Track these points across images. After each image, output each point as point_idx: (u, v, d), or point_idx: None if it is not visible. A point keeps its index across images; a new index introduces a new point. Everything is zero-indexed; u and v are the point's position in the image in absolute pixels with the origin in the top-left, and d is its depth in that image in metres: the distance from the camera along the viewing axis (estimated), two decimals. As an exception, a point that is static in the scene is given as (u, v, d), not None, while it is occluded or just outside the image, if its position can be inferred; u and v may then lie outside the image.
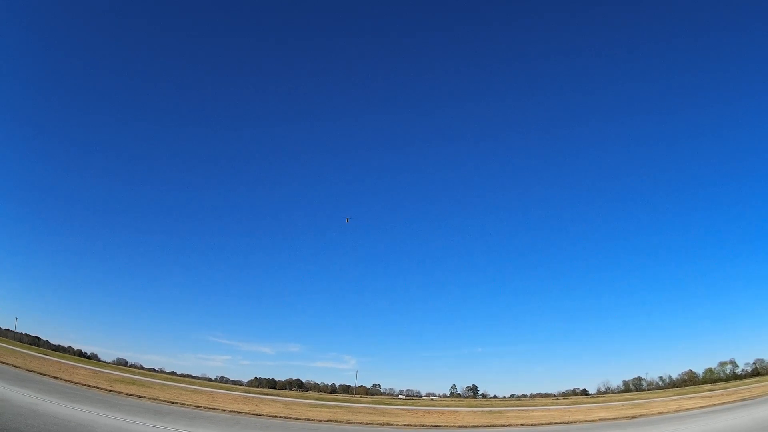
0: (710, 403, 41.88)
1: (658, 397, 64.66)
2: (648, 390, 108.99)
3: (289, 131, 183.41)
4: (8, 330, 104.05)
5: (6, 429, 12.74)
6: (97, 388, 32.55)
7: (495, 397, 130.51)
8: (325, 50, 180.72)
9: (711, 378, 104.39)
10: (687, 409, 38.61)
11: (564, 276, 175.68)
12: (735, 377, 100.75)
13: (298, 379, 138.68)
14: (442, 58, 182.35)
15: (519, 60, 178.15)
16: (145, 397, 32.03)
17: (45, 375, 33.72)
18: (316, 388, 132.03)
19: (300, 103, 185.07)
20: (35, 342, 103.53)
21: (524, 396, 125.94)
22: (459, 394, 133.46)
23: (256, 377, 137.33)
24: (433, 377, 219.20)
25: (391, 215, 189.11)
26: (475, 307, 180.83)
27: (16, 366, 34.97)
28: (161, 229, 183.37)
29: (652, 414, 37.19)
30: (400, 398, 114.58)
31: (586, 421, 35.14)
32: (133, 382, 45.29)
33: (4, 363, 35.27)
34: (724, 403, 41.53)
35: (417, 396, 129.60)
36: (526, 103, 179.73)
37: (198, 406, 31.15)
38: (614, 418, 35.39)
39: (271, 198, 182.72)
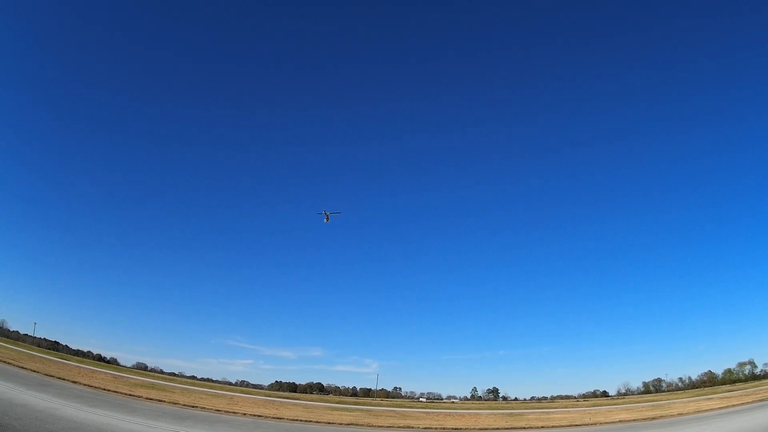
0: (729, 404, 41.45)
1: (677, 398, 63.79)
2: (668, 391, 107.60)
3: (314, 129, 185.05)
4: (27, 335, 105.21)
5: (23, 434, 11.92)
6: (117, 392, 32.09)
7: (516, 399, 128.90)
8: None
9: (730, 378, 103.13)
10: (706, 410, 38.10)
11: (585, 278, 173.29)
12: (754, 377, 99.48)
13: (319, 383, 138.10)
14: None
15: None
16: (164, 401, 31.47)
17: (64, 379, 33.39)
18: (336, 391, 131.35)
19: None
20: (54, 347, 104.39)
21: (545, 398, 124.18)
22: (480, 396, 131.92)
23: (276, 381, 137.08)
24: (454, 380, 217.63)
25: (412, 219, 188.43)
26: (495, 310, 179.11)
27: (35, 371, 34.70)
28: (181, 234, 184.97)
29: (672, 415, 36.63)
30: (421, 401, 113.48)
31: (606, 423, 34.48)
32: (153, 386, 44.98)
33: (22, 368, 35.04)
34: (743, 403, 40.87)
35: (438, 399, 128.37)
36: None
37: (218, 410, 30.48)
38: (634, 420, 34.88)
39: (293, 202, 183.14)
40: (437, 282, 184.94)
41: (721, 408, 38.87)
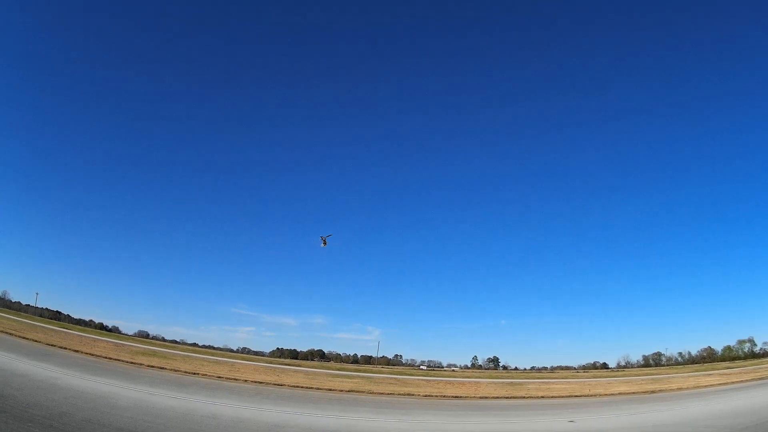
0: (728, 381, 42.13)
1: (677, 373, 65.03)
2: (667, 365, 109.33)
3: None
4: (29, 306, 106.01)
5: (25, 404, 11.96)
6: (119, 360, 32.44)
7: (516, 369, 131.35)
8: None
9: (729, 356, 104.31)
10: (706, 386, 38.58)
11: (588, 249, 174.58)
12: (753, 356, 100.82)
13: (320, 350, 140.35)
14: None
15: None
16: (166, 368, 31.84)
17: (66, 349, 33.67)
18: (337, 358, 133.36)
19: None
20: (56, 317, 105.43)
21: (545, 368, 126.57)
22: (480, 365, 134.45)
23: (278, 348, 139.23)
24: (455, 348, 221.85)
25: (414, 187, 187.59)
26: (497, 279, 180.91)
27: (36, 341, 34.93)
28: (183, 200, 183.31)
29: (671, 390, 37.12)
30: (422, 369, 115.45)
31: (606, 395, 34.90)
32: (154, 354, 45.50)
33: (24, 338, 35.25)
34: (742, 381, 41.53)
35: (438, 367, 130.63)
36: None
37: (220, 377, 30.90)
38: (634, 393, 35.25)
39: (297, 166, 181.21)
40: (440, 250, 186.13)
41: (720, 384, 39.34)
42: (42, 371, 19.17)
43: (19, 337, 35.48)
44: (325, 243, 44.50)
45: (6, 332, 36.81)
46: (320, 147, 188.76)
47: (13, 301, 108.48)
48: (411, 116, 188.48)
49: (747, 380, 41.94)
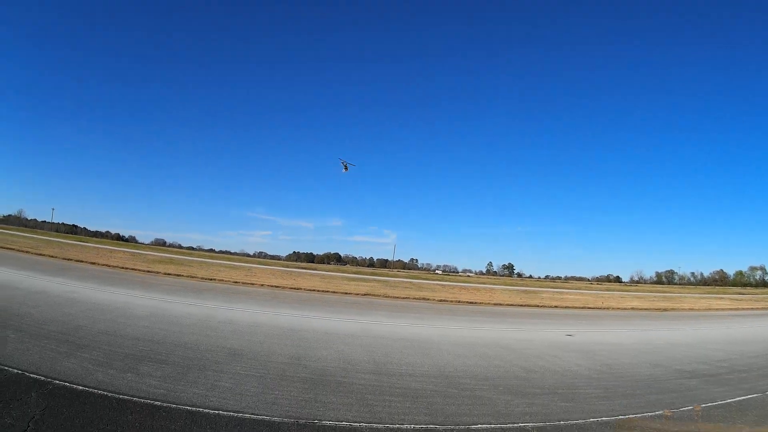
0: (739, 306, 43.00)
1: (689, 293, 66.31)
2: (679, 284, 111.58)
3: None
4: (45, 222, 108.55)
5: (41, 321, 11.89)
6: (135, 270, 33.08)
7: (530, 277, 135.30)
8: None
9: (741, 281, 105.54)
10: (717, 309, 39.48)
11: (609, 158, 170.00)
12: (763, 284, 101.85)
13: (336, 253, 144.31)
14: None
15: None
16: (183, 275, 32.52)
17: (82, 262, 34.27)
18: (353, 262, 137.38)
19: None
20: (72, 230, 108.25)
21: (558, 278, 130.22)
22: (495, 271, 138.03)
23: (294, 252, 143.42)
24: (470, 253, 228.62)
25: (433, 92, 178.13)
26: (514, 183, 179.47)
27: (53, 256, 35.51)
28: (197, 104, 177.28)
29: (683, 309, 37.69)
30: (437, 273, 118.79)
31: (618, 308, 35.50)
32: (171, 261, 46.55)
33: (40, 255, 35.82)
34: (752, 308, 42.65)
35: (453, 272, 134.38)
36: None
37: (236, 282, 31.62)
38: (646, 309, 35.85)
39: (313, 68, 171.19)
40: (458, 153, 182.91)
41: (731, 309, 40.02)
42: (58, 286, 19.29)
43: (36, 254, 36.05)
44: (346, 168, 47.41)
45: (22, 250, 37.39)
46: (335, 44, 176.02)
47: (29, 218, 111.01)
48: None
49: (758, 308, 42.70)
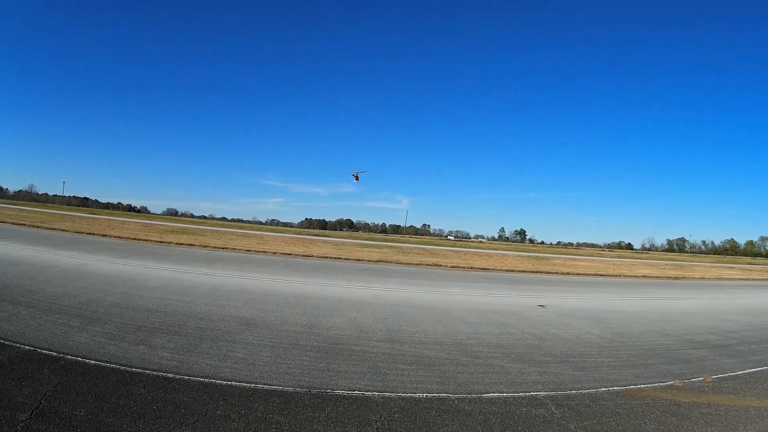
0: (749, 276, 42.54)
1: (700, 262, 65.56)
2: (690, 253, 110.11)
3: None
4: (56, 195, 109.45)
5: (53, 295, 11.89)
6: (147, 240, 33.28)
7: (542, 243, 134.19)
8: None
9: (751, 251, 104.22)
10: (728, 278, 38.83)
11: (621, 126, 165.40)
12: None
13: (349, 219, 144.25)
14: None
15: None
16: (195, 245, 32.68)
17: (93, 234, 34.49)
18: (366, 228, 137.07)
19: None
20: (84, 203, 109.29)
21: (570, 244, 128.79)
22: (507, 237, 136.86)
23: (306, 218, 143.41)
24: (482, 219, 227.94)
25: (444, 56, 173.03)
26: (526, 148, 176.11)
27: (64, 230, 35.74)
28: (207, 73, 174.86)
29: (693, 278, 37.31)
30: (449, 239, 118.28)
31: (630, 276, 35.14)
32: (183, 231, 46.74)
33: (52, 229, 36.07)
34: (762, 278, 41.37)
35: (465, 237, 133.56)
36: None
37: (249, 251, 31.73)
38: (657, 277, 35.51)
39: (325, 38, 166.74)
40: (471, 118, 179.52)
41: (742, 279, 39.53)
42: (70, 260, 19.36)
43: (47, 228, 36.28)
44: (357, 179, 48.19)
45: (33, 225, 37.67)
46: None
47: (39, 192, 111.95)
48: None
49: (767, 279, 41.91)
